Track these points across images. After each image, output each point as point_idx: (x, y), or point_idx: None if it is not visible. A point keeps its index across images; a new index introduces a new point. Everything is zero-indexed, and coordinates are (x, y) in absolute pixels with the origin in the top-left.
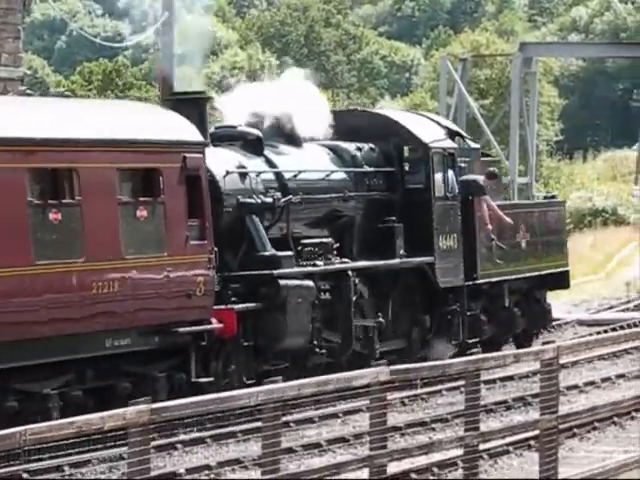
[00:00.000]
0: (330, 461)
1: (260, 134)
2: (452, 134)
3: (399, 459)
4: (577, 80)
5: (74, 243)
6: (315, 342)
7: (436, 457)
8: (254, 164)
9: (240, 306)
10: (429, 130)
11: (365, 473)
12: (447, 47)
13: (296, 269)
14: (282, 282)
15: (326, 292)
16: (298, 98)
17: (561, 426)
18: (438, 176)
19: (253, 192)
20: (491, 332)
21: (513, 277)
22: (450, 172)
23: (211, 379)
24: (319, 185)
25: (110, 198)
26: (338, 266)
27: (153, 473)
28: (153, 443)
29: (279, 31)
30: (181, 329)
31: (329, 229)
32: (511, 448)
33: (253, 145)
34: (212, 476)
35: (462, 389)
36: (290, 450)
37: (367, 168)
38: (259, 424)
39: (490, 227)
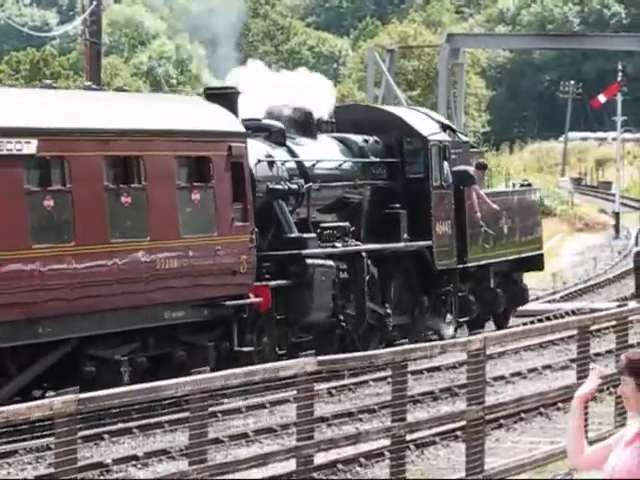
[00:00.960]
0: (257, 451)
1: (282, 126)
2: (445, 127)
3: (326, 450)
4: (504, 71)
5: (141, 224)
6: (335, 317)
7: (363, 447)
8: (279, 154)
9: (273, 283)
10: (426, 124)
11: (292, 464)
12: (375, 38)
13: (320, 250)
14: (309, 261)
15: (344, 271)
16: (308, 88)
17: (488, 417)
18: (435, 166)
19: (280, 179)
20: (478, 311)
21: (497, 260)
22: (445, 163)
23: (251, 348)
24: (333, 173)
25: (170, 183)
26: (355, 247)
27: (80, 463)
28: (80, 433)
29: (207, 21)
30: (228, 302)
31: (340, 214)
32: (438, 439)
33: (277, 136)
34: (139, 466)
35: (389, 380)
36: (217, 440)
37: (373, 158)
38: (186, 414)
39: (479, 214)
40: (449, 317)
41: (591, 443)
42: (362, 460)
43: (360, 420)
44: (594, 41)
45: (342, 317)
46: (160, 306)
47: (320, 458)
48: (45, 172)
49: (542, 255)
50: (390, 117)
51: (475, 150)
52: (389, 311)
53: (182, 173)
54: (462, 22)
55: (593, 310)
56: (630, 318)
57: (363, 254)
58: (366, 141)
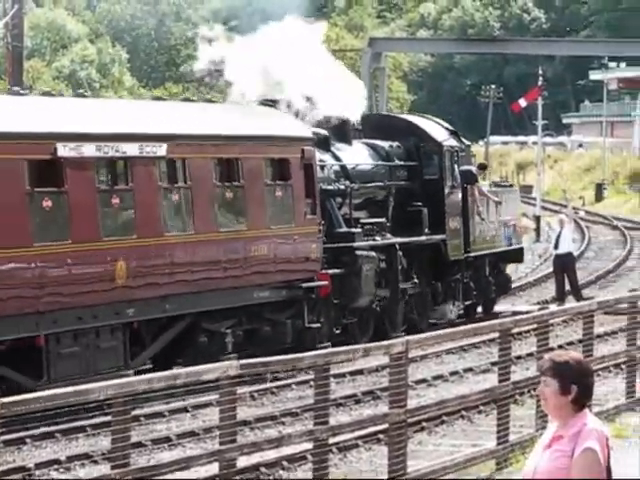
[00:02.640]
0: (180, 455)
1: (327, 134)
2: (452, 133)
3: (249, 453)
4: (426, 75)
5: (240, 215)
6: (375, 302)
7: (286, 451)
8: (327, 158)
9: (332, 271)
10: (438, 131)
11: (215, 467)
12: None
13: (365, 242)
14: (358, 252)
15: (382, 261)
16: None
17: (410, 420)
18: (448, 169)
19: (330, 180)
20: (476, 297)
21: (491, 251)
22: (455, 165)
23: (319, 325)
24: (368, 175)
25: (260, 181)
26: (391, 240)
27: (1, 468)
28: (1, 438)
29: (129, 25)
30: (304, 284)
31: (372, 211)
32: (360, 442)
33: (323, 143)
34: (61, 470)
35: (312, 383)
36: (140, 444)
37: (397, 162)
38: (109, 418)
39: (481, 210)
40: (456, 302)
41: (512, 446)
42: (285, 463)
43: (283, 423)
44: (515, 46)
45: (379, 302)
46: (251, 287)
47: (243, 461)
48: (173, 172)
49: (522, 249)
50: (408, 124)
51: (471, 152)
52: (418, 296)
53: (268, 172)
54: (384, 26)
55: (514, 313)
56: (551, 321)
57: (397, 246)
58: (391, 146)
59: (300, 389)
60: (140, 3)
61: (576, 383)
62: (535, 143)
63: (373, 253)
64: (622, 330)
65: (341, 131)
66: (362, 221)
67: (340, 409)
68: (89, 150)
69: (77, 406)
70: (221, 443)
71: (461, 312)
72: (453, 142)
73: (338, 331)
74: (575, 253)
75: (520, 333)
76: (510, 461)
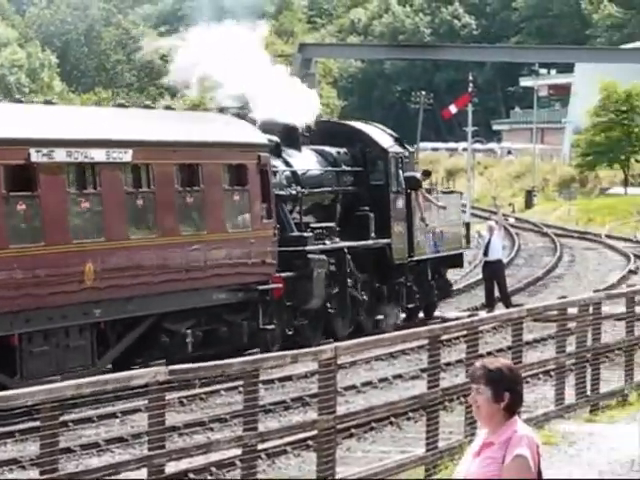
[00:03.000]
0: (108, 461)
1: (279, 140)
2: (396, 140)
3: (177, 459)
4: (356, 81)
5: (200, 219)
6: (324, 303)
7: (214, 457)
8: (278, 164)
9: (285, 274)
10: (384, 137)
11: (144, 473)
12: None
13: (317, 247)
14: (310, 256)
15: (332, 265)
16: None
17: (339, 426)
18: (393, 174)
19: (282, 186)
20: (418, 301)
21: (433, 256)
22: (400, 171)
23: (273, 326)
24: (317, 181)
25: (219, 186)
26: (340, 244)
27: None
28: None
29: (59, 30)
30: (260, 287)
31: (320, 216)
32: (289, 448)
33: (274, 149)
34: None
35: (241, 389)
36: (68, 450)
37: (344, 167)
38: (37, 424)
39: (424, 216)
40: (400, 305)
41: (441, 453)
42: (213, 469)
43: (211, 429)
44: (445, 52)
45: (329, 304)
46: (210, 289)
47: (171, 467)
48: (137, 176)
49: (462, 254)
50: (354, 131)
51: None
52: (365, 298)
53: (226, 178)
54: (314, 32)
55: (444, 320)
56: (480, 328)
57: (345, 250)
58: (338, 153)
59: (229, 395)
60: (70, 8)
61: (509, 390)
62: (465, 150)
63: (324, 257)
64: (551, 337)
65: (290, 137)
66: (312, 225)
67: (269, 415)
68: (60, 155)
69: (6, 411)
70: (150, 449)
71: (404, 315)
72: (398, 148)
73: (290, 332)
74: (504, 260)
75: (449, 340)
76: (439, 468)
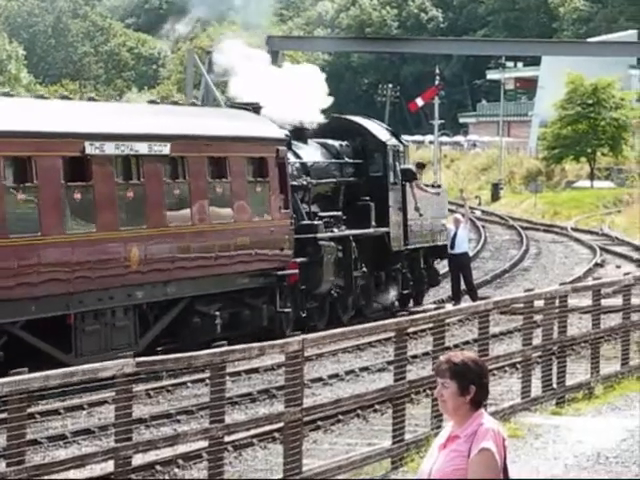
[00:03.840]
0: (75, 453)
1: (289, 134)
2: (393, 134)
3: (144, 451)
4: (323, 74)
5: (228, 209)
6: (333, 288)
7: (181, 449)
8: (289, 156)
9: (299, 259)
10: (382, 131)
11: (110, 465)
12: (194, 40)
13: (326, 234)
14: (321, 243)
15: (339, 251)
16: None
17: (306, 418)
18: (391, 166)
19: (293, 177)
20: (412, 287)
21: (425, 245)
22: (397, 163)
23: (290, 310)
24: (323, 172)
25: (244, 178)
26: (347, 232)
27: None
28: None
29: (26, 21)
30: (279, 272)
31: (325, 205)
32: (256, 440)
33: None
34: None
35: (207, 381)
36: (35, 442)
37: (347, 160)
38: (4, 415)
39: (419, 206)
40: (395, 290)
41: (407, 445)
42: (180, 461)
43: (178, 422)
44: (412, 45)
45: (335, 288)
46: (235, 274)
47: (138, 459)
48: (174, 168)
49: (446, 245)
50: (355, 125)
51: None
52: (368, 285)
53: (249, 170)
54: (281, 25)
55: (410, 312)
56: (447, 320)
57: (350, 237)
58: (341, 145)
59: (196, 387)
60: (37, 0)
61: (474, 383)
62: (432, 142)
63: (332, 244)
64: (517, 330)
65: (298, 131)
66: (320, 214)
67: (236, 407)
68: (110, 148)
69: None
70: (116, 441)
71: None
72: (395, 142)
73: (304, 315)
74: (471, 253)
75: (416, 332)
76: (405, 460)
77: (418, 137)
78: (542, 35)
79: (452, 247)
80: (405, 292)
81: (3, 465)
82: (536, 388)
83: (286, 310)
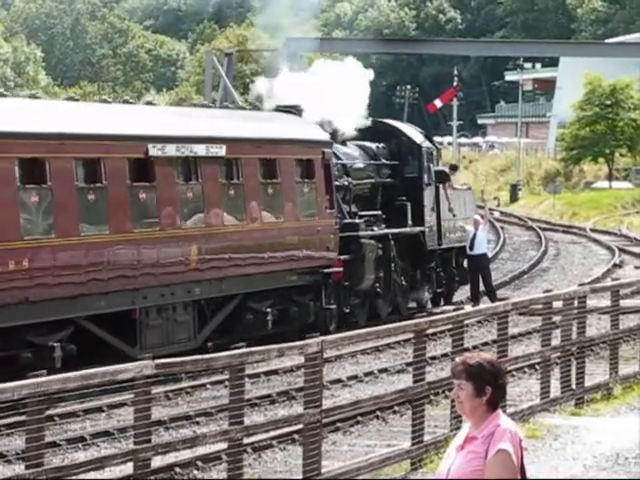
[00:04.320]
0: (94, 455)
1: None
2: (426, 136)
3: (163, 453)
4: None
5: (278, 209)
6: (376, 284)
7: (200, 451)
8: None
9: (342, 257)
10: (416, 134)
11: (129, 467)
12: (213, 42)
13: (368, 232)
14: (362, 241)
15: (379, 249)
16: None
17: (325, 420)
18: (425, 168)
19: (335, 177)
20: (444, 286)
21: (457, 245)
22: (431, 165)
23: (334, 306)
24: (362, 173)
25: (292, 179)
26: (386, 231)
27: None
28: None
29: (45, 23)
30: (325, 270)
31: (364, 204)
32: (275, 442)
33: None
34: None
35: (227, 383)
36: (54, 444)
37: (383, 161)
38: (23, 418)
39: (452, 206)
40: (430, 288)
41: (426, 446)
42: (199, 463)
43: (197, 423)
44: (430, 46)
45: (377, 285)
46: (285, 272)
47: (157, 461)
48: (229, 169)
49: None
50: (390, 128)
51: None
52: (404, 282)
53: (297, 171)
54: (300, 26)
55: (429, 313)
56: (466, 322)
57: (390, 236)
58: (377, 147)
59: (215, 389)
60: (55, 2)
61: (490, 384)
62: (450, 144)
63: (373, 242)
64: (536, 331)
65: (337, 133)
66: (360, 213)
67: (255, 409)
68: (171, 150)
69: None
70: (136, 443)
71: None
72: (428, 144)
73: (348, 311)
74: (490, 254)
75: (435, 334)
76: (424, 461)
77: (437, 138)
78: (560, 36)
79: (471, 248)
80: (439, 290)
81: (22, 467)
82: (555, 389)
83: (331, 307)
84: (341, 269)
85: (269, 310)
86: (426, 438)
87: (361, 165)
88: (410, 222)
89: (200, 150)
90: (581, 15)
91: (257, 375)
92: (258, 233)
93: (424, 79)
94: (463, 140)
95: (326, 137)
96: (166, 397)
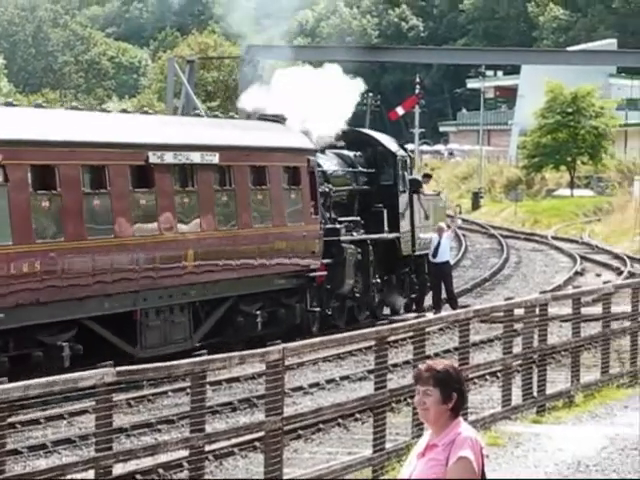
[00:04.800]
0: (56, 462)
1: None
2: (400, 145)
3: (125, 460)
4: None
5: (267, 214)
6: (354, 288)
7: (162, 458)
8: None
9: (325, 261)
10: (391, 143)
11: (91, 474)
12: (175, 49)
13: (348, 237)
14: (343, 245)
15: (358, 254)
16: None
17: (286, 427)
18: (400, 176)
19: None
20: (417, 291)
21: (427, 251)
22: (406, 173)
23: (318, 309)
24: (340, 180)
25: (280, 185)
26: (365, 236)
27: None
28: None
29: (6, 30)
30: (312, 273)
31: (342, 211)
32: (237, 449)
33: None
34: None
35: (188, 390)
36: (16, 452)
37: (360, 169)
38: None
39: (428, 213)
40: (405, 293)
41: (388, 454)
42: (161, 471)
43: (159, 431)
44: (392, 54)
45: (355, 289)
46: (273, 275)
47: (119, 469)
48: (222, 176)
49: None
50: (366, 137)
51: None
52: (381, 288)
53: (284, 178)
54: (262, 34)
55: (391, 321)
56: (427, 329)
57: (368, 241)
58: (355, 156)
59: (176, 396)
60: (17, 9)
61: (455, 390)
62: (412, 151)
63: (353, 246)
64: (498, 338)
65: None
66: (340, 219)
67: (216, 417)
68: (169, 157)
69: None
70: (97, 450)
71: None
72: (403, 153)
73: (330, 313)
74: (451, 261)
75: (397, 341)
76: (386, 469)
77: None
78: (522, 44)
79: (434, 256)
80: (412, 296)
81: None
82: (516, 396)
83: (315, 309)
84: (325, 272)
85: (259, 312)
86: (387, 445)
87: (340, 172)
88: (387, 228)
89: (195, 158)
90: (543, 23)
91: (219, 382)
92: (249, 238)
93: (386, 86)
94: (425, 148)
95: (311, 145)
96: (128, 404)
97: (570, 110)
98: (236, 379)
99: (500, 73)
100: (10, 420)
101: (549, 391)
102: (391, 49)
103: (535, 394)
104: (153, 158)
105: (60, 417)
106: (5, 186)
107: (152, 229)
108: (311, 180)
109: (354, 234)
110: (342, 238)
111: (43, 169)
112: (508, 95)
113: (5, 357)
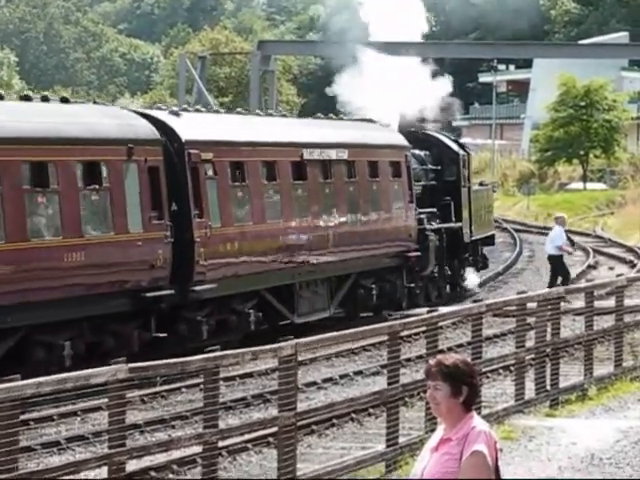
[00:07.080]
0: (69, 459)
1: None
2: (460, 145)
3: (138, 457)
4: (315, 79)
5: (378, 202)
6: (434, 271)
7: (175, 454)
8: None
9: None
10: (454, 143)
11: (104, 471)
12: (186, 45)
13: (431, 226)
14: (427, 232)
15: (437, 241)
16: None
17: (299, 423)
18: (462, 172)
19: None
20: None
21: (482, 236)
22: (465, 169)
23: (413, 284)
24: (416, 176)
25: (387, 177)
26: (440, 225)
27: None
28: None
29: (18, 28)
30: (409, 253)
31: (418, 203)
32: (250, 445)
33: None
34: None
35: (201, 386)
36: (29, 449)
37: (430, 166)
38: None
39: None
40: (471, 271)
41: (401, 448)
42: (174, 467)
43: (172, 427)
44: (406, 49)
45: (434, 271)
46: (382, 255)
47: (132, 465)
48: (349, 170)
49: (494, 235)
50: (433, 137)
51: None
52: (449, 271)
53: (390, 171)
54: (273, 29)
55: (404, 316)
56: (440, 324)
57: (442, 230)
58: (425, 154)
59: (190, 392)
60: (29, 6)
61: (466, 384)
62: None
63: (433, 234)
64: (511, 332)
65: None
66: (420, 210)
67: (230, 412)
68: (316, 154)
69: None
70: (110, 447)
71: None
72: (463, 152)
73: (418, 291)
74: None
75: (409, 336)
76: (399, 463)
77: None
78: (534, 38)
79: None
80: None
81: None
82: (530, 390)
83: (412, 285)
84: (419, 253)
85: (374, 286)
86: (401, 440)
87: (416, 169)
88: (454, 218)
89: (332, 154)
90: (554, 17)
91: (232, 378)
92: (368, 223)
93: None
94: None
95: (406, 142)
96: (141, 401)
97: (583, 103)
98: (249, 375)
99: (512, 67)
100: (23, 417)
101: (562, 385)
102: (403, 44)
103: (548, 388)
104: (307, 155)
105: (73, 414)
106: (214, 179)
107: (306, 215)
108: (408, 173)
109: (432, 224)
110: (427, 226)
111: (232, 165)
112: (520, 89)
113: (213, 321)
